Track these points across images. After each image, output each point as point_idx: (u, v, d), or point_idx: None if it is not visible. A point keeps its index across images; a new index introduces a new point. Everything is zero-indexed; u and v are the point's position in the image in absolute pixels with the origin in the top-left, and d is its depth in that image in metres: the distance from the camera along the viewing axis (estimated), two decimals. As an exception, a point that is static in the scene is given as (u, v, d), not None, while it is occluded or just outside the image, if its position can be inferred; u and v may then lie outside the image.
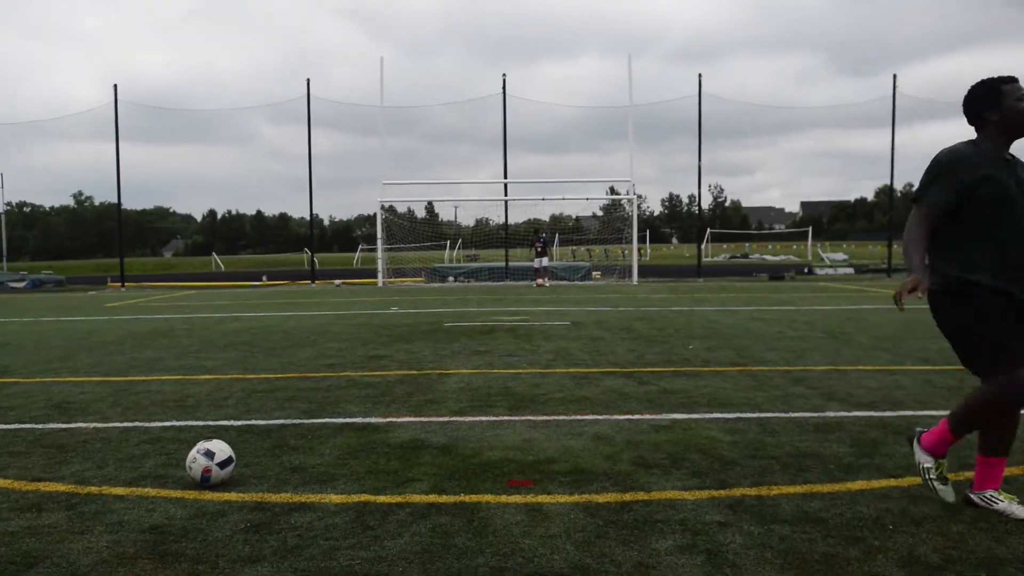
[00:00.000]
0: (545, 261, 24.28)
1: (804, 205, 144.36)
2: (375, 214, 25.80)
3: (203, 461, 3.92)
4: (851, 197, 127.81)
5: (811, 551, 3.07)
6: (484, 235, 32.75)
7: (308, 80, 26.53)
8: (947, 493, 3.47)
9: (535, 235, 25.14)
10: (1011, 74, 3.39)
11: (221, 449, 3.98)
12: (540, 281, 23.28)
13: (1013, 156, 3.41)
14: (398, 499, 3.72)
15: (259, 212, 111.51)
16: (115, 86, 25.94)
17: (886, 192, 66.17)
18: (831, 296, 17.06)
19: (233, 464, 4.01)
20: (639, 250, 28.37)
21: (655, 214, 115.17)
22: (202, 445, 4.01)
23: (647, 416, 5.36)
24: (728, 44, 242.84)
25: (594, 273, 27.17)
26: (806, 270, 29.95)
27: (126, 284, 26.20)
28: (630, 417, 5.34)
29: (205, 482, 3.90)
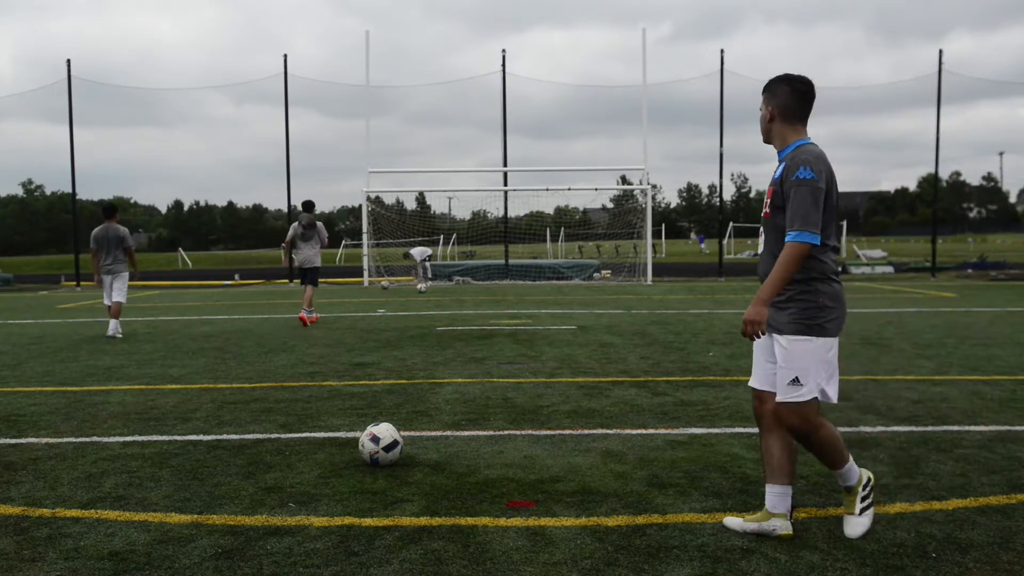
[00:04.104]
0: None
1: (838, 196, 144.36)
2: (360, 206, 25.85)
3: (370, 447, 4.53)
4: (891, 187, 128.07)
5: (844, 580, 3.08)
6: (481, 230, 32.80)
7: (285, 56, 26.58)
8: None
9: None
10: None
11: (385, 435, 4.55)
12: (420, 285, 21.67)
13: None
14: (386, 522, 3.74)
15: (231, 203, 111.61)
16: (68, 61, 26.00)
17: (930, 181, 66.21)
18: (868, 298, 17.08)
19: (400, 447, 4.58)
20: (654, 246, 28.44)
21: (671, 206, 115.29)
22: (369, 430, 4.61)
23: (662, 431, 5.38)
24: (747, 13, 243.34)
25: (603, 272, 27.22)
26: (840, 269, 29.96)
27: (81, 283, 26.21)
28: (643, 432, 5.36)
29: (376, 464, 4.52)
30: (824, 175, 3.39)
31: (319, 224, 12.81)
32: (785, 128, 3.58)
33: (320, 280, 13.35)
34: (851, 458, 3.61)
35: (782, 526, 3.48)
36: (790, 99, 3.56)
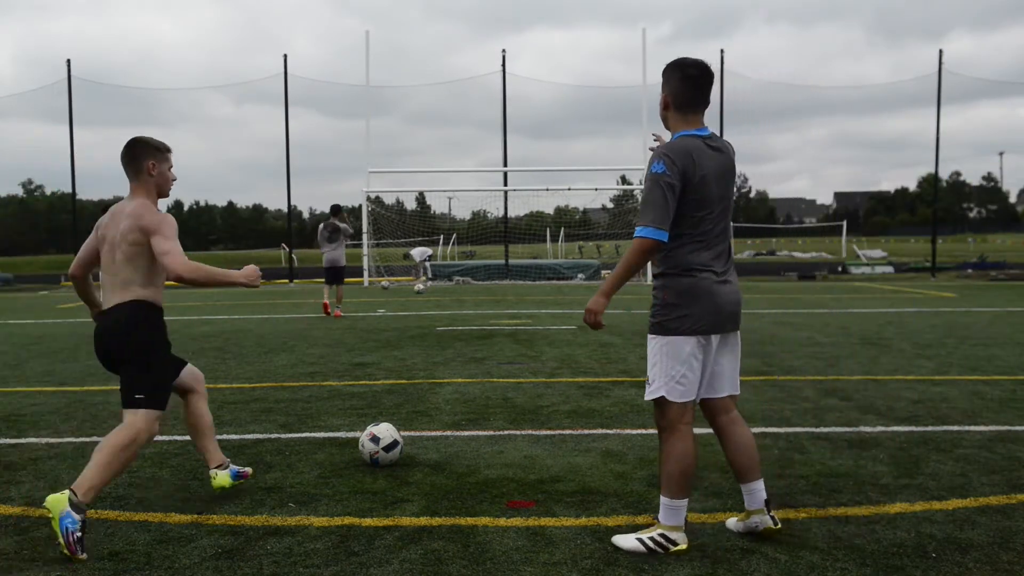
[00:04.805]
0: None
1: (838, 196, 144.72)
2: (360, 206, 25.85)
3: (370, 447, 4.55)
4: (891, 187, 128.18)
5: (844, 580, 3.08)
6: (481, 230, 32.80)
7: (285, 56, 26.62)
8: None
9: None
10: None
11: (385, 435, 4.57)
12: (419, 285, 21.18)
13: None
14: (386, 522, 3.73)
15: (231, 203, 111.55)
16: (68, 61, 26.02)
17: (930, 181, 66.22)
18: (868, 298, 17.08)
19: (399, 447, 4.59)
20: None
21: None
22: (369, 430, 4.63)
23: (662, 431, 5.37)
24: (747, 13, 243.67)
25: (603, 272, 27.22)
26: (840, 269, 29.99)
27: (82, 283, 26.14)
28: (643, 432, 5.36)
29: (376, 465, 4.53)
30: (679, 168, 3.21)
31: (342, 225, 13.98)
32: (677, 118, 3.39)
33: (321, 280, 14.00)
34: (684, 508, 3.38)
35: (762, 521, 3.46)
36: (681, 86, 3.35)
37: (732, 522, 3.60)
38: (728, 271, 3.43)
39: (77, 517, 3.34)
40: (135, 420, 3.64)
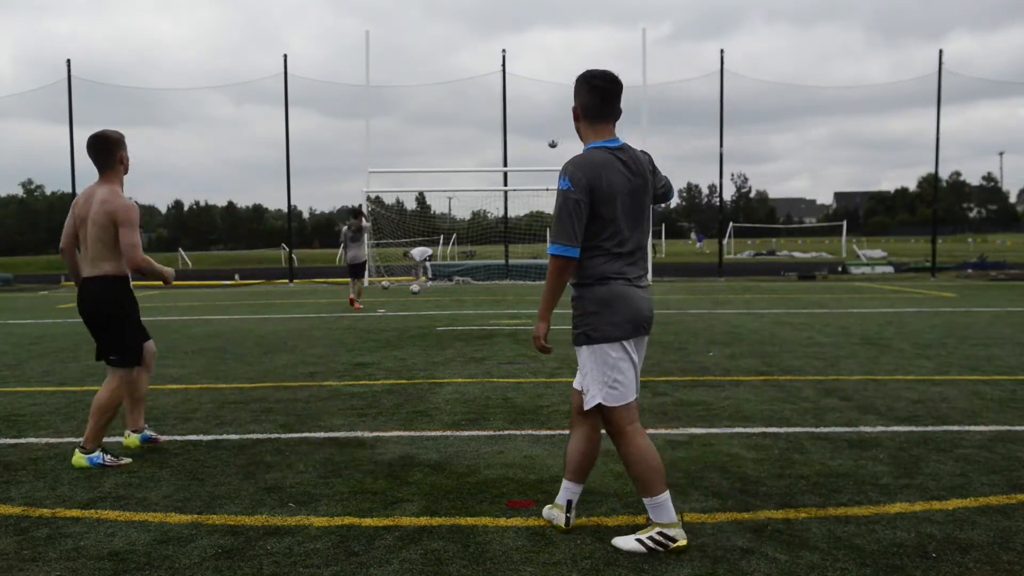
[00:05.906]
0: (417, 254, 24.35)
1: (838, 196, 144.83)
2: (360, 205, 25.85)
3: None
4: (891, 187, 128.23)
5: (844, 580, 3.08)
6: (481, 229, 32.79)
7: (285, 56, 26.59)
8: None
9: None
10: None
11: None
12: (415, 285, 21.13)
13: None
14: (386, 522, 3.74)
15: (231, 203, 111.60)
16: (68, 61, 26.02)
17: (930, 181, 66.26)
18: (868, 298, 17.08)
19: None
20: (654, 246, 28.42)
21: (671, 206, 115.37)
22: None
23: (662, 431, 5.37)
24: (747, 13, 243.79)
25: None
26: (840, 269, 29.99)
27: (82, 283, 26.13)
28: (644, 432, 5.36)
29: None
30: (585, 183, 3.25)
31: (365, 225, 15.92)
32: (587, 129, 3.44)
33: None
34: (668, 501, 3.39)
35: (558, 517, 3.58)
36: (589, 97, 3.39)
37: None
38: (642, 278, 3.47)
39: (97, 454, 4.61)
40: (112, 378, 4.72)
